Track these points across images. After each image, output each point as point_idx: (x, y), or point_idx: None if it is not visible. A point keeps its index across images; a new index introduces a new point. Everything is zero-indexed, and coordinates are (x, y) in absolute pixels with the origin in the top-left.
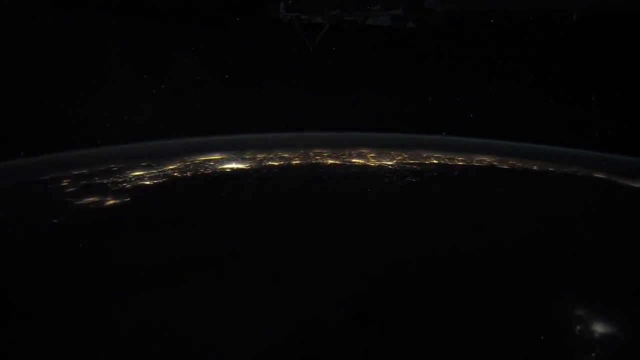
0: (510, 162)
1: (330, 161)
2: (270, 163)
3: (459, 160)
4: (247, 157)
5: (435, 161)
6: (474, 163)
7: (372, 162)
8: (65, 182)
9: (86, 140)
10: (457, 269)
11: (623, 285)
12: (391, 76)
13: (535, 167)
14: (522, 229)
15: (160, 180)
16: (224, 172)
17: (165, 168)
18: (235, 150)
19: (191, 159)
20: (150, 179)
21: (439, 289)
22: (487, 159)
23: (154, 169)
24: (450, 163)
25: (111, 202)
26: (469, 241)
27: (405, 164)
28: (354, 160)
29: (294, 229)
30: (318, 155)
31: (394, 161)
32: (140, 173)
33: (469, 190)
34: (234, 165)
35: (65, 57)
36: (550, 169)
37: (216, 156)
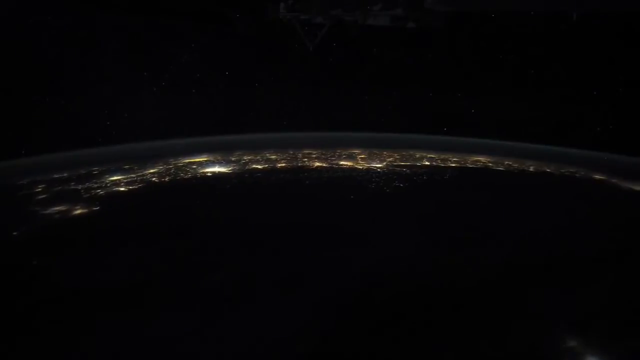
0: (506, 162)
1: (317, 164)
2: (254, 166)
3: (453, 162)
4: (234, 159)
5: (427, 163)
6: (468, 165)
7: (361, 165)
8: (39, 188)
9: (86, 139)
10: (435, 294)
11: (623, 311)
12: (390, 75)
13: (532, 169)
14: (512, 242)
15: (136, 187)
16: (203, 177)
17: (145, 172)
18: (225, 150)
19: (176, 161)
20: (126, 184)
21: (412, 320)
22: (482, 160)
23: (134, 173)
24: (442, 165)
25: (78, 211)
26: (452, 259)
27: (395, 166)
28: (342, 163)
29: (260, 245)
30: (306, 157)
31: (384, 163)
32: (119, 178)
33: (458, 197)
34: (217, 169)
35: (64, 55)
36: (548, 170)
37: (202, 158)
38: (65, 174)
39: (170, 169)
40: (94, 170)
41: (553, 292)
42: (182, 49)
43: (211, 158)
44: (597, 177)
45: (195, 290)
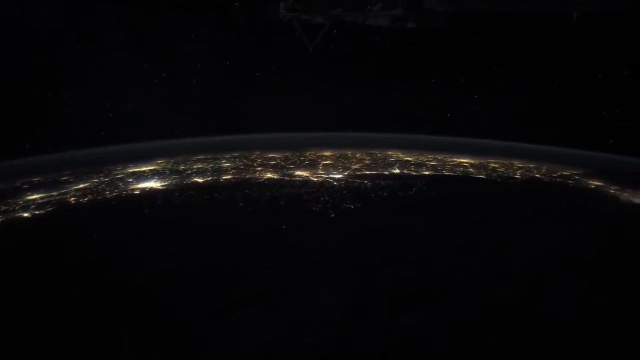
0: (492, 165)
1: (268, 175)
2: (195, 179)
3: (429, 167)
4: (182, 167)
5: (397, 170)
6: (444, 171)
7: (317, 176)
8: None
9: (89, 135)
10: None
11: None
12: (389, 73)
13: (518, 174)
14: (467, 304)
15: (44, 211)
16: (128, 197)
17: (72, 188)
18: (187, 154)
19: (118, 171)
20: (36, 207)
21: None
22: (466, 162)
23: (59, 189)
24: (414, 173)
25: None
26: (381, 331)
27: (357, 177)
28: (297, 173)
29: (130, 309)
30: (264, 164)
31: (346, 173)
32: (36, 197)
33: (414, 229)
34: (151, 184)
35: (63, 49)
36: (537, 176)
37: (149, 167)
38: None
39: (104, 182)
40: (25, 184)
41: None
42: (182, 40)
43: (159, 167)
44: (594, 183)
45: None
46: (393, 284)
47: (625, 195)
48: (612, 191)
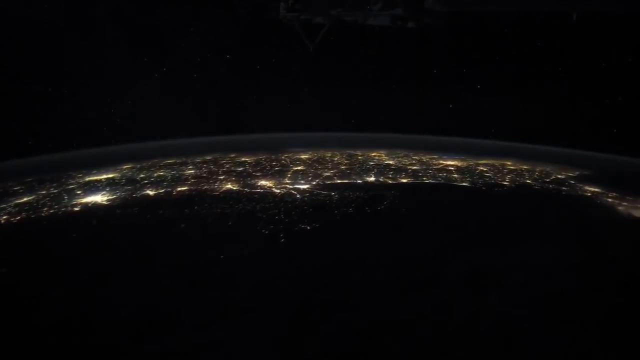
0: (480, 169)
1: (227, 186)
2: (147, 192)
3: (410, 172)
4: (141, 176)
5: (372, 179)
6: (424, 178)
7: (282, 186)
8: None
9: (90, 131)
10: None
11: None
12: (387, 73)
13: (507, 180)
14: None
15: None
16: (65, 215)
17: (11, 203)
18: (161, 157)
19: (74, 179)
20: None
21: None
22: (452, 165)
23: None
24: (391, 182)
25: None
26: None
27: (325, 186)
28: (259, 183)
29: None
30: (226, 173)
31: (316, 181)
32: None
33: (370, 262)
34: (97, 198)
35: (62, 45)
36: (528, 182)
37: (107, 175)
38: None
39: (51, 194)
40: None
41: None
42: (181, 34)
43: (119, 174)
44: (591, 189)
45: None
46: (334, 341)
47: (625, 206)
48: (609, 200)
